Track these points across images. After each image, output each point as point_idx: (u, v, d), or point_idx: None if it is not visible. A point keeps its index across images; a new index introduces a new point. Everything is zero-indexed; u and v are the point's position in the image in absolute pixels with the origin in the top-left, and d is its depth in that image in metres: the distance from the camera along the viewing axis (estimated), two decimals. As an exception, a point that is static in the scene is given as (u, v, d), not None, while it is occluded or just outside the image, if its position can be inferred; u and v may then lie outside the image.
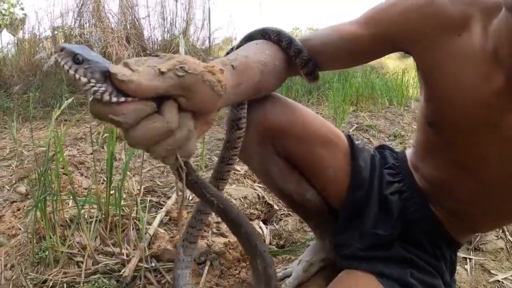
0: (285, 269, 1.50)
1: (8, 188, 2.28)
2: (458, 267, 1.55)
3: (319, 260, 1.46)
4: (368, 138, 3.52)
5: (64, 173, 2.12)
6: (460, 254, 1.64)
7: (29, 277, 1.49)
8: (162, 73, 0.58)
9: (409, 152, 1.31)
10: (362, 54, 1.11)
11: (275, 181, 1.26)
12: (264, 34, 1.05)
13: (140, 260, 1.45)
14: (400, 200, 1.22)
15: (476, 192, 1.06)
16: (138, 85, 0.57)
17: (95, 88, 0.58)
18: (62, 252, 1.52)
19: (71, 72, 0.59)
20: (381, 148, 1.40)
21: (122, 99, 0.58)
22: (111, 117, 0.58)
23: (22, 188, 2.22)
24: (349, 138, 1.26)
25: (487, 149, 0.98)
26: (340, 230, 1.27)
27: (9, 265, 1.59)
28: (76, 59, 0.58)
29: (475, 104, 0.94)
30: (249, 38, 1.07)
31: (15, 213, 2.04)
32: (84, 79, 0.58)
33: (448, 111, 1.00)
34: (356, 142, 1.28)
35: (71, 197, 1.89)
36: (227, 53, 0.96)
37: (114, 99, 0.58)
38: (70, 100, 1.75)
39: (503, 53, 0.89)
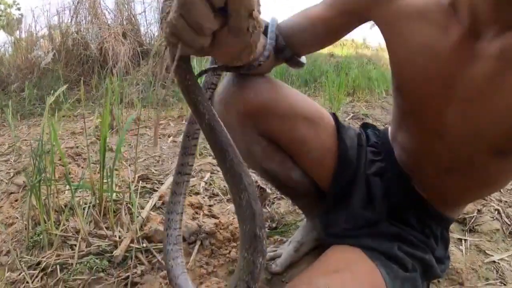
0: (275, 250, 1.51)
1: (7, 182, 2.32)
2: (453, 248, 1.56)
3: (310, 240, 1.47)
4: (364, 127, 3.55)
5: (61, 165, 2.17)
6: (455, 235, 1.65)
7: (23, 259, 1.52)
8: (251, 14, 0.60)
9: (390, 128, 1.30)
10: (334, 33, 1.13)
11: (259, 161, 1.24)
12: None
13: (132, 241, 1.48)
14: (382, 181, 1.22)
15: (446, 158, 1.05)
16: None
17: None
18: (56, 235, 1.55)
19: None
20: (364, 126, 1.39)
21: None
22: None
23: (20, 180, 2.25)
24: (334, 116, 1.26)
25: (448, 110, 0.97)
26: (327, 211, 1.26)
27: (5, 251, 1.63)
28: None
29: (432, 60, 0.94)
30: None
31: (13, 204, 2.07)
32: None
33: (408, 72, 1.00)
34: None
35: (65, 184, 1.93)
36: None
37: None
38: (64, 87, 1.77)
39: (460, 3, 0.90)
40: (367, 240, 1.14)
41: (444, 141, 1.03)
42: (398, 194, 1.20)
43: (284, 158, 1.24)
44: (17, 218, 1.87)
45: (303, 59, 1.19)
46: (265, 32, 1.06)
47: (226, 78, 1.17)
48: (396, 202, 1.20)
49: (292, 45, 1.12)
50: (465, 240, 1.67)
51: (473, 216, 1.82)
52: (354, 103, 4.26)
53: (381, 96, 4.66)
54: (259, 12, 0.62)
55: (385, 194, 1.21)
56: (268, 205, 1.91)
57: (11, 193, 2.17)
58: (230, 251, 1.48)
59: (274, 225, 1.77)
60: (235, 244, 1.51)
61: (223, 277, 1.40)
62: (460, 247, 1.61)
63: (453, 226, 1.67)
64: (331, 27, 1.10)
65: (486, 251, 1.63)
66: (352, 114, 3.78)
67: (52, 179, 1.60)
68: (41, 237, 1.57)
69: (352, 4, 1.07)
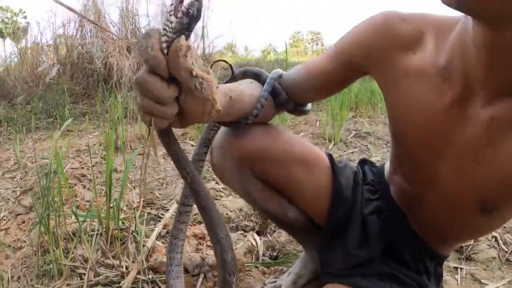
0: (275, 281, 1.55)
1: (13, 201, 2.36)
2: (448, 277, 1.59)
3: (308, 272, 1.50)
4: (365, 145, 3.58)
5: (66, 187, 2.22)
6: (451, 263, 1.67)
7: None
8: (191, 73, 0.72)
9: (387, 165, 1.35)
10: (333, 85, 1.19)
11: (256, 201, 1.31)
12: (256, 76, 1.18)
13: (138, 273, 1.54)
14: (379, 219, 1.26)
15: (439, 206, 1.10)
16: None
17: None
18: (65, 265, 1.60)
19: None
20: (362, 163, 1.44)
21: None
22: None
23: (26, 201, 2.30)
24: (330, 157, 1.30)
25: (440, 164, 1.02)
26: (323, 246, 1.31)
27: (15, 277, 1.68)
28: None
29: (428, 119, 0.99)
30: (234, 78, 1.19)
31: (20, 226, 2.12)
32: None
33: (404, 126, 1.06)
34: (338, 160, 1.33)
35: (72, 212, 1.98)
36: (228, 80, 1.15)
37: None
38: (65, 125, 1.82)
39: (455, 66, 0.94)
40: (360, 280, 1.17)
41: (436, 192, 1.08)
42: (394, 231, 1.24)
43: (280, 199, 1.30)
44: (25, 242, 1.92)
45: (308, 106, 1.26)
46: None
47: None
48: (391, 238, 1.24)
49: (294, 96, 1.20)
50: (461, 268, 1.69)
51: (470, 244, 1.85)
52: (356, 119, 4.30)
53: (383, 111, 4.67)
54: (201, 69, 0.74)
55: (381, 232, 1.25)
56: (269, 234, 1.95)
57: (18, 214, 2.22)
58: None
59: (275, 254, 1.81)
60: (238, 275, 1.56)
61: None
62: (456, 276, 1.63)
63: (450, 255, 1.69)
64: (331, 79, 1.16)
65: (482, 280, 1.66)
66: (354, 132, 3.82)
67: (60, 210, 1.65)
68: (50, 266, 1.62)
69: (351, 58, 1.11)
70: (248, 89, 1.08)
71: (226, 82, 1.11)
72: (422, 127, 1.02)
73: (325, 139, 3.58)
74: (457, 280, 1.61)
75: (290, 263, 1.72)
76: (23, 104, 4.17)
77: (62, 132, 3.56)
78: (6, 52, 5.20)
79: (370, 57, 1.08)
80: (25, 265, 1.73)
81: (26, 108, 4.07)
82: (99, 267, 1.61)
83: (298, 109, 1.22)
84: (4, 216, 2.20)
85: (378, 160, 3.09)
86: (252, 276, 1.60)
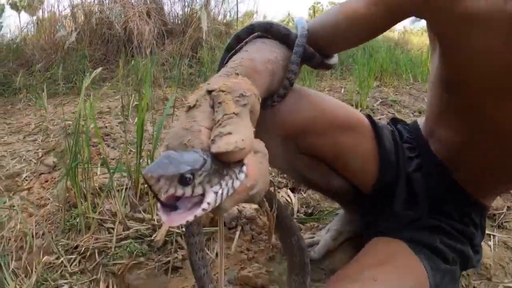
0: (313, 237, 1.49)
1: (35, 162, 2.30)
2: (482, 243, 1.53)
3: (347, 231, 1.46)
4: (393, 113, 3.47)
5: (94, 143, 2.14)
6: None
7: (60, 243, 1.50)
8: (237, 114, 0.55)
9: (420, 121, 1.27)
10: (373, 31, 1.03)
11: (302, 174, 1.22)
12: (266, 30, 0.96)
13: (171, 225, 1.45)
14: (422, 176, 1.19)
15: (493, 154, 1.04)
16: (247, 145, 0.52)
17: (225, 191, 0.50)
18: (93, 218, 1.52)
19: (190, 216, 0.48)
20: (394, 121, 1.35)
21: (243, 172, 0.52)
22: (250, 194, 0.53)
23: (50, 160, 2.23)
24: (370, 118, 1.20)
25: (504, 112, 0.95)
26: (369, 212, 1.26)
27: (40, 233, 1.61)
28: (186, 180, 0.47)
29: (493, 66, 0.90)
30: (237, 38, 0.98)
31: (43, 185, 2.06)
32: (212, 199, 0.49)
33: (465, 73, 0.96)
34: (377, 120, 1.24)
35: (100, 166, 1.90)
36: (230, 56, 0.91)
37: (241, 176, 0.52)
38: (98, 70, 1.73)
39: None
40: (410, 233, 1.12)
41: (493, 137, 1.01)
42: (437, 187, 1.17)
43: (326, 169, 1.20)
44: (49, 199, 1.86)
45: (335, 58, 1.09)
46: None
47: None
48: (436, 195, 1.18)
49: (322, 49, 1.02)
50: (494, 236, 1.62)
51: (503, 212, 1.78)
52: (381, 88, 4.17)
53: (408, 82, 4.54)
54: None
55: (426, 188, 1.18)
56: (303, 191, 1.87)
57: (41, 173, 2.15)
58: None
59: (309, 211, 1.74)
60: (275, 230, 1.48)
61: (263, 263, 1.37)
62: (489, 242, 1.57)
63: None
64: (373, 26, 1.00)
65: (514, 248, 1.60)
66: (380, 100, 3.70)
67: (88, 162, 1.57)
68: (77, 220, 1.54)
69: (404, 3, 0.96)
70: (263, 59, 0.85)
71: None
72: (485, 75, 0.92)
73: (352, 105, 3.47)
74: (490, 247, 1.54)
75: (325, 220, 1.65)
76: (41, 71, 4.10)
77: (82, 96, 3.52)
78: (22, 23, 5.12)
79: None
80: (49, 221, 1.66)
81: (45, 75, 4.00)
82: (128, 221, 1.53)
83: (325, 63, 1.04)
84: (26, 176, 2.14)
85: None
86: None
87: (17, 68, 4.23)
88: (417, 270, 1.03)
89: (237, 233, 1.46)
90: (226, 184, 0.50)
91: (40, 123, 2.93)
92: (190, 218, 0.47)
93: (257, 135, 0.59)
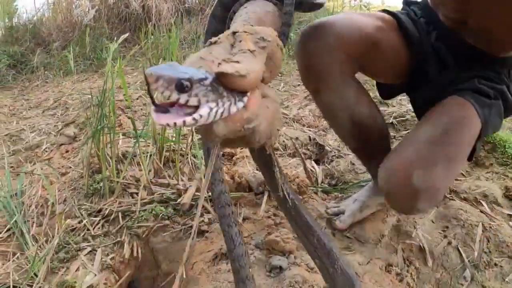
0: (338, 206, 1.47)
1: (55, 134, 2.29)
2: (503, 223, 1.50)
3: (374, 204, 1.44)
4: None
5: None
6: (505, 210, 1.56)
7: (83, 207, 1.49)
8: (252, 52, 0.54)
9: None
10: None
11: (352, 107, 1.22)
12: None
13: (197, 190, 1.43)
14: (443, 44, 1.25)
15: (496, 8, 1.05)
16: (251, 77, 0.50)
17: (220, 110, 0.48)
18: (117, 182, 1.51)
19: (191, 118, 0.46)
20: (407, 3, 1.38)
21: (242, 102, 0.50)
22: (246, 127, 0.51)
23: (70, 131, 2.22)
24: (387, 11, 1.28)
25: None
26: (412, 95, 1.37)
27: (62, 199, 1.60)
28: (183, 86, 0.45)
29: None
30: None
31: (64, 155, 2.05)
32: (205, 112, 0.47)
33: None
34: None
35: (122, 136, 1.89)
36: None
37: (240, 105, 0.50)
38: (122, 38, 1.70)
39: None
40: (451, 88, 1.17)
41: None
42: (458, 50, 1.22)
43: (371, 99, 1.26)
44: (70, 167, 1.84)
45: None
46: None
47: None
48: (460, 57, 1.23)
49: None
50: None
51: None
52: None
53: None
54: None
55: (450, 54, 1.24)
56: (327, 163, 1.84)
57: (61, 144, 2.14)
58: (298, 203, 1.42)
59: (333, 182, 1.72)
60: (301, 197, 1.46)
61: (290, 229, 1.35)
62: (510, 222, 1.53)
63: (503, 202, 1.60)
64: None
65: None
66: None
67: (113, 127, 1.55)
68: (101, 184, 1.53)
69: None
70: (263, 12, 0.86)
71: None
72: None
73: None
74: (511, 227, 1.49)
75: (349, 191, 1.63)
76: (59, 50, 4.08)
77: (99, 73, 3.51)
78: (38, 4, 5.09)
79: None
80: (71, 188, 1.65)
81: (62, 53, 3.98)
82: (153, 185, 1.51)
83: (316, 4, 0.99)
84: (46, 148, 2.13)
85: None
86: (314, 199, 1.48)
87: (34, 47, 4.23)
88: (465, 109, 1.10)
89: (264, 198, 1.43)
90: (223, 105, 0.48)
91: (59, 98, 2.92)
92: (179, 122, 0.45)
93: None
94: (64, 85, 3.34)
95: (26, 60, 3.98)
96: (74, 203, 1.53)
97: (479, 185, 1.65)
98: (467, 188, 1.63)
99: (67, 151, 2.07)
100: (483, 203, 1.55)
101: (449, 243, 1.38)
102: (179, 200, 1.41)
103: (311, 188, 1.57)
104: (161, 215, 1.37)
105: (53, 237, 1.40)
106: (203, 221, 1.36)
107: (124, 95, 1.74)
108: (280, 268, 1.23)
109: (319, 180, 1.69)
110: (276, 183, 0.73)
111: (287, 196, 0.74)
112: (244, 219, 1.37)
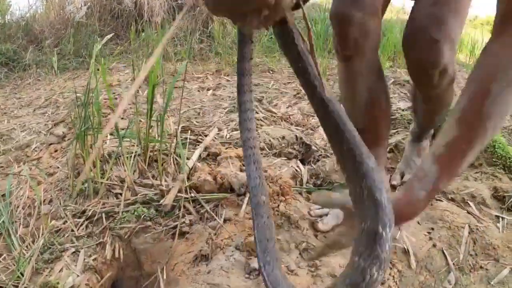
0: (321, 208, 1.47)
1: (45, 133, 2.30)
2: (490, 224, 1.50)
3: None
4: (404, 93, 3.42)
5: (103, 114, 2.13)
6: (493, 211, 1.56)
7: (68, 207, 1.50)
8: None
9: None
10: None
11: (373, 78, 1.31)
12: None
13: (180, 191, 1.44)
14: None
15: None
16: None
17: None
18: (101, 183, 1.51)
19: None
20: None
21: None
22: None
23: (59, 130, 2.23)
24: None
25: None
26: None
27: (48, 200, 1.61)
28: None
29: None
30: None
31: (52, 154, 2.06)
32: None
33: None
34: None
35: (109, 135, 1.90)
36: None
37: None
38: (109, 36, 1.70)
39: None
40: None
41: None
42: None
43: (386, 83, 1.39)
44: (58, 167, 1.85)
45: None
46: None
47: None
48: None
49: None
50: (503, 218, 1.56)
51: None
52: (394, 69, 4.11)
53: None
54: None
55: None
56: (313, 162, 1.85)
57: (50, 144, 2.15)
58: (278, 205, 1.43)
59: (318, 182, 1.72)
60: (283, 198, 1.46)
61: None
62: (498, 224, 1.52)
63: (491, 203, 1.60)
64: None
65: (522, 231, 1.56)
66: (393, 79, 3.65)
67: (98, 127, 1.56)
68: (86, 185, 1.54)
69: None
70: None
71: None
72: None
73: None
74: (499, 229, 1.50)
75: (334, 191, 1.63)
76: (51, 47, 4.08)
77: (92, 70, 3.50)
78: (31, 1, 5.07)
79: None
80: (58, 188, 1.66)
81: (54, 50, 3.98)
82: (137, 186, 1.52)
83: None
84: (36, 147, 2.13)
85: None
86: (298, 200, 1.49)
87: (27, 44, 4.22)
88: None
89: (245, 199, 1.44)
90: None
91: (50, 97, 2.92)
92: None
93: None
94: (56, 83, 3.35)
95: (19, 57, 3.97)
96: (60, 204, 1.54)
97: (467, 186, 1.65)
98: (455, 189, 1.63)
99: (55, 151, 2.08)
100: (471, 204, 1.56)
101: (434, 245, 1.37)
102: (161, 201, 1.42)
103: (295, 188, 1.57)
104: (143, 216, 1.38)
105: (39, 237, 1.41)
106: (184, 222, 1.36)
107: (107, 94, 1.74)
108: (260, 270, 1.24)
109: (304, 180, 1.69)
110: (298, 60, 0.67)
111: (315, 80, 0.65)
112: (225, 221, 1.38)
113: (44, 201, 1.60)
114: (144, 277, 1.39)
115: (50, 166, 1.91)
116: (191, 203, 1.44)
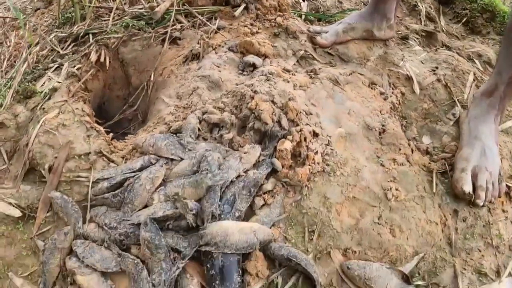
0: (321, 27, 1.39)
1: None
2: None
3: (361, 27, 1.36)
4: None
5: None
6: None
7: (52, 35, 1.40)
8: None
9: None
10: None
11: None
12: None
13: (172, 5, 1.34)
14: None
15: None
16: None
17: None
18: (89, 7, 1.41)
19: None
20: None
21: None
22: None
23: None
24: None
25: None
26: None
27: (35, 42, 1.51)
28: None
29: None
30: None
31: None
32: None
33: None
34: None
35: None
36: None
37: None
38: None
39: None
40: None
41: None
42: None
43: None
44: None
45: None
46: None
47: None
48: None
49: None
50: None
51: None
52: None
53: None
54: None
55: None
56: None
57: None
58: (275, 18, 1.34)
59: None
60: (281, 13, 1.37)
61: (268, 37, 1.29)
62: None
63: None
64: None
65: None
66: None
67: None
68: (72, 14, 1.43)
69: None
70: None
71: None
72: None
73: None
74: None
75: (333, 23, 1.50)
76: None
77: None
78: None
79: None
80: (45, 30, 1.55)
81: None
82: (128, 7, 1.42)
83: None
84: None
85: None
86: (296, 19, 1.39)
87: None
88: None
89: (240, 9, 1.34)
90: None
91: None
92: None
93: None
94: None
95: None
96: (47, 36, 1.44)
97: (474, 45, 1.57)
98: (461, 46, 1.55)
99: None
100: (476, 61, 1.48)
101: (438, 80, 1.31)
102: (152, 12, 1.31)
103: (293, 11, 1.47)
104: (131, 25, 1.28)
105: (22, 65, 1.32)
106: (175, 28, 1.27)
107: None
108: (254, 65, 1.15)
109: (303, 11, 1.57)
110: None
111: None
112: (218, 29, 1.29)
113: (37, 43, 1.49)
114: (132, 95, 1.31)
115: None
116: (182, 15, 1.34)
